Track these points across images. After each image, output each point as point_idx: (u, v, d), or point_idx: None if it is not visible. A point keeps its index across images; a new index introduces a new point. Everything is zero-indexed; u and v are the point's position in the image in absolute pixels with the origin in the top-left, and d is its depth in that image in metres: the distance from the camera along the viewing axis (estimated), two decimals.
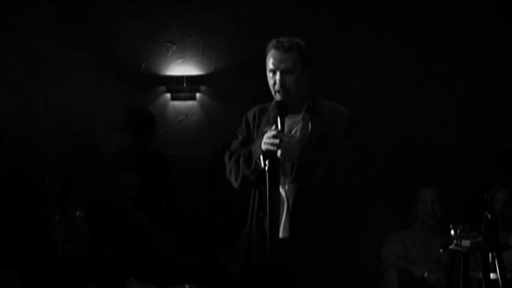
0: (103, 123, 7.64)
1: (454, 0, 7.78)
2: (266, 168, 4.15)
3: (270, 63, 4.38)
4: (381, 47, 7.79)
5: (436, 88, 7.79)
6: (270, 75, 4.39)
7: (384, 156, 7.34)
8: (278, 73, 4.34)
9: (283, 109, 4.29)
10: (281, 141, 4.16)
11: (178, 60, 7.89)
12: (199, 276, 6.31)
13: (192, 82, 7.84)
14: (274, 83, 4.36)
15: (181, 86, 7.83)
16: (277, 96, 4.35)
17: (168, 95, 7.88)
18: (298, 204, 4.28)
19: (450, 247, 5.46)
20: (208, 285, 6.03)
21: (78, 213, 5.49)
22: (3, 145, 6.94)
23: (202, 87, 7.89)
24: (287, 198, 4.29)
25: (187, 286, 5.84)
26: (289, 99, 4.34)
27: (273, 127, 4.25)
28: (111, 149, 7.34)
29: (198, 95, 7.89)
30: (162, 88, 7.87)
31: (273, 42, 4.42)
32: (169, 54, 7.89)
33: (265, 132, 4.27)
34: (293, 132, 4.36)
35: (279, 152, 4.16)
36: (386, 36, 7.81)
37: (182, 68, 7.86)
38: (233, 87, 7.84)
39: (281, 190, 4.30)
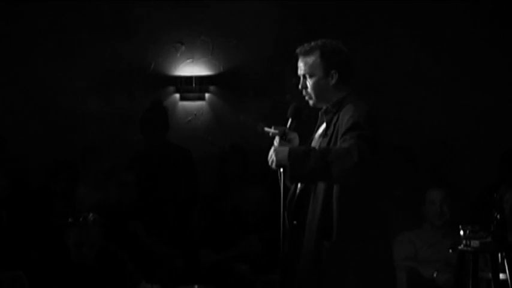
0: (111, 123, 7.66)
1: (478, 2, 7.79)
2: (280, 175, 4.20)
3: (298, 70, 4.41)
4: (396, 44, 7.79)
5: (446, 88, 7.78)
6: None
7: (390, 156, 7.34)
8: (301, 78, 4.36)
9: (296, 112, 4.30)
10: (274, 151, 4.16)
11: (188, 61, 7.90)
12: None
13: (201, 82, 7.85)
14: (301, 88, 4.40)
15: (190, 86, 7.84)
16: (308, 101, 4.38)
17: (177, 95, 7.89)
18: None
19: (459, 247, 5.46)
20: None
21: (91, 216, 5.51)
22: (3, 145, 6.96)
23: (211, 88, 7.91)
24: None
25: (196, 286, 5.86)
26: (317, 103, 4.33)
27: (276, 140, 4.26)
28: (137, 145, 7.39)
29: (207, 95, 7.90)
30: (171, 88, 7.88)
31: (298, 47, 4.40)
32: (178, 54, 7.90)
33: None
34: (318, 133, 4.38)
35: (273, 165, 4.16)
36: (400, 33, 7.80)
37: (191, 69, 7.87)
38: (242, 87, 7.86)
39: None
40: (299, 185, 4.28)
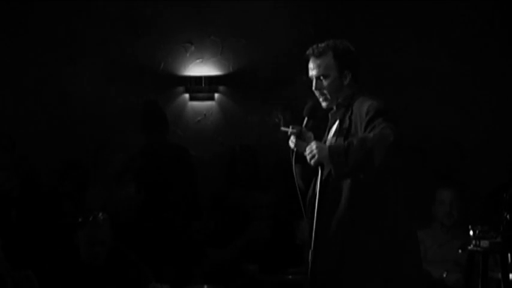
0: (120, 123, 7.66)
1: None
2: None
3: (308, 71, 4.43)
4: (407, 44, 7.78)
5: (456, 88, 7.77)
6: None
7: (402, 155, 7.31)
8: (314, 80, 4.39)
9: (312, 111, 4.36)
10: (316, 148, 4.17)
11: (197, 61, 7.90)
12: None
13: (210, 82, 7.85)
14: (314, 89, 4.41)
15: (200, 86, 7.85)
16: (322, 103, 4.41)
17: (187, 95, 7.89)
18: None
19: (469, 247, 5.45)
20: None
21: (101, 215, 5.51)
22: (12, 145, 6.98)
23: (221, 88, 7.91)
24: None
25: (205, 286, 5.86)
26: (331, 103, 4.38)
27: (292, 139, 4.31)
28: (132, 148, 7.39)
29: (216, 95, 7.90)
30: (181, 88, 7.89)
31: (309, 49, 4.43)
32: (187, 54, 7.90)
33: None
34: (331, 133, 4.41)
35: (312, 161, 4.18)
36: (411, 33, 7.79)
37: (201, 68, 7.87)
38: (251, 87, 7.86)
39: None
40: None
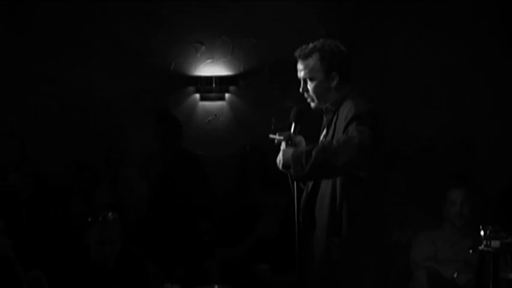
0: (132, 123, 7.68)
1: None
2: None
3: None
4: (416, 43, 7.77)
5: (467, 87, 7.75)
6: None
7: (412, 155, 7.32)
8: (302, 82, 4.37)
9: (298, 116, 4.32)
10: (282, 152, 4.20)
11: (208, 61, 7.91)
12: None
13: (221, 82, 7.86)
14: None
15: (211, 87, 7.86)
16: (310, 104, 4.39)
17: (197, 96, 7.90)
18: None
19: (480, 248, 5.43)
20: None
21: (110, 215, 5.52)
22: (23, 145, 7.00)
23: (232, 88, 7.91)
24: None
25: (216, 286, 5.86)
26: (319, 105, 4.36)
27: (282, 145, 4.29)
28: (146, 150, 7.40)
29: (227, 95, 7.91)
30: (191, 88, 7.90)
31: (296, 50, 4.40)
32: (198, 54, 7.91)
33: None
34: (321, 137, 4.39)
35: (280, 166, 4.20)
36: (420, 32, 7.78)
37: (211, 69, 7.88)
38: (262, 87, 7.86)
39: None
40: (309, 187, 4.30)
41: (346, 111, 4.19)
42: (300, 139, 4.34)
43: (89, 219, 5.52)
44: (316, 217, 4.29)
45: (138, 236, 6.34)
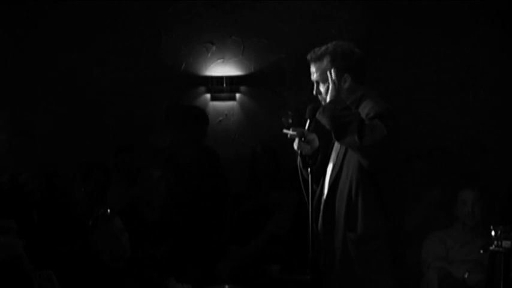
0: (143, 123, 7.69)
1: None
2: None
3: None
4: (428, 44, 7.75)
5: (479, 88, 7.73)
6: None
7: (426, 156, 7.30)
8: (314, 84, 4.38)
9: (315, 114, 4.30)
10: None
11: (218, 61, 7.91)
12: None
13: (231, 82, 7.86)
14: None
15: (221, 87, 7.86)
16: None
17: (208, 96, 7.91)
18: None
19: (491, 248, 5.41)
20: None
21: (108, 211, 5.52)
22: (35, 146, 7.01)
23: (242, 88, 7.92)
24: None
25: (226, 286, 5.87)
26: (335, 106, 4.33)
27: (295, 141, 4.37)
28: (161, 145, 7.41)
29: (237, 95, 7.91)
30: (202, 88, 7.91)
31: (309, 53, 4.41)
32: (209, 54, 7.92)
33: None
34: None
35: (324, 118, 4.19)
36: (431, 33, 7.76)
37: (222, 69, 7.89)
38: (273, 87, 7.86)
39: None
40: (326, 186, 4.30)
41: (367, 109, 4.21)
42: (314, 137, 4.36)
43: (90, 223, 5.51)
44: (336, 215, 4.30)
45: (152, 236, 6.36)
